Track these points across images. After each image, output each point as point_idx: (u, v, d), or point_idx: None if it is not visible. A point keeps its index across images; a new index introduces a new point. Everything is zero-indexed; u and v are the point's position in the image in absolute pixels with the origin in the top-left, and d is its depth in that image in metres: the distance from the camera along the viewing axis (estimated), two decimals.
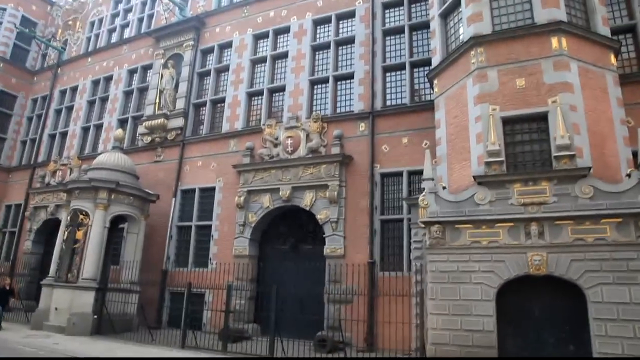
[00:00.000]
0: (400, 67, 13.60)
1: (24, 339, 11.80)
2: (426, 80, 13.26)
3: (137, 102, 18.32)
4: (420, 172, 12.36)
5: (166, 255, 15.27)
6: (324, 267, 12.70)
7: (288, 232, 14.27)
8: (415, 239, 10.63)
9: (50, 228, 18.71)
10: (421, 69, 13.48)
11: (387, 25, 14.11)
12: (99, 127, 19.14)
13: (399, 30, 13.94)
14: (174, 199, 15.77)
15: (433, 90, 11.36)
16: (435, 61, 11.23)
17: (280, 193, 13.59)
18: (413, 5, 14.02)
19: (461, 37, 10.63)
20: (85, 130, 19.58)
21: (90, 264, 13.16)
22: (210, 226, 14.92)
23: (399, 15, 14.17)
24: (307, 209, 13.27)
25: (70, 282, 13.28)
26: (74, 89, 20.74)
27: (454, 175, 9.96)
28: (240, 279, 13.10)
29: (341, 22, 14.97)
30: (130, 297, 13.61)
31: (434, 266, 9.01)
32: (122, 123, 18.25)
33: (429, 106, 12.62)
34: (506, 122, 9.28)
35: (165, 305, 14.82)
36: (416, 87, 13.41)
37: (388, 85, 13.69)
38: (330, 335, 11.58)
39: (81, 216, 13.83)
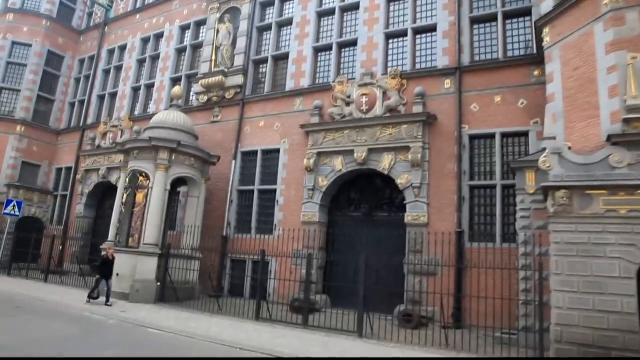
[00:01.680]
0: (491, 18, 12.18)
1: (88, 305, 11.26)
2: (521, 32, 12.00)
3: (191, 60, 17.33)
4: (516, 134, 11.30)
5: (226, 220, 14.50)
6: (404, 236, 11.71)
7: (360, 198, 13.27)
8: (522, 206, 9.49)
9: (101, 191, 18.23)
10: (514, 19, 12.06)
11: None
12: (149, 87, 18.28)
13: None
14: (233, 162, 14.89)
15: (542, 40, 9.92)
16: (547, 7, 9.79)
17: (355, 155, 12.52)
18: None
19: None
20: (136, 90, 18.74)
21: (151, 228, 12.45)
22: (274, 190, 14.03)
23: None
24: (386, 172, 12.19)
25: (131, 247, 12.63)
26: (122, 48, 19.85)
27: (574, 134, 8.67)
28: (308, 247, 12.26)
29: None
30: (192, 264, 12.94)
31: (559, 237, 7.87)
32: (174, 82, 17.29)
33: (525, 61, 11.39)
34: None
35: (225, 272, 14.14)
36: (509, 40, 11.99)
37: (476, 38, 12.31)
38: (414, 309, 10.71)
39: (140, 178, 13.07)
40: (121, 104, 18.74)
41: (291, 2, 15.47)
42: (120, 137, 16.92)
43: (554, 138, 8.37)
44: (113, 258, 11.56)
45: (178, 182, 13.91)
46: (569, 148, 8.26)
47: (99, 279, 11.22)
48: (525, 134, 11.09)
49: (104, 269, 11.31)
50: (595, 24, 8.64)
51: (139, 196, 12.96)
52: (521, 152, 11.14)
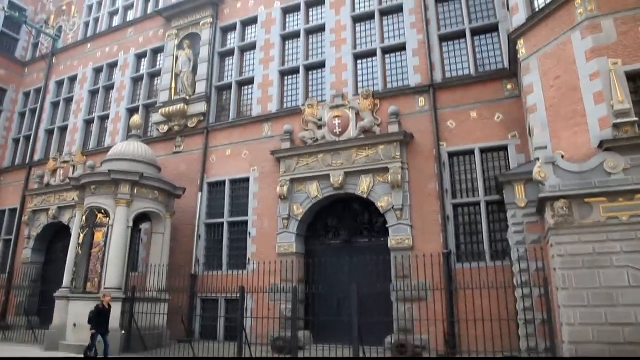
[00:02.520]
0: (459, 35, 12.16)
1: None
2: (490, 48, 12.02)
3: (148, 89, 16.41)
4: (495, 149, 11.09)
5: (195, 257, 13.40)
6: (388, 262, 11.11)
7: (339, 225, 12.60)
8: (514, 221, 9.15)
9: (51, 234, 16.65)
10: (482, 36, 12.09)
11: None
12: (104, 119, 17.10)
13: None
14: (200, 194, 13.93)
15: (517, 53, 9.86)
16: (519, 20, 9.78)
17: (332, 180, 11.92)
18: None
19: None
20: (88, 123, 17.48)
21: (113, 270, 11.25)
22: (245, 222, 13.15)
23: None
24: (365, 196, 11.65)
25: (90, 292, 11.33)
26: (73, 79, 18.63)
27: (562, 143, 8.46)
28: (286, 280, 11.44)
29: None
30: (159, 307, 11.79)
31: (563, 249, 7.51)
32: (131, 112, 16.25)
33: (498, 75, 11.37)
34: (631, 77, 7.90)
35: (195, 314, 12.96)
36: (479, 56, 11.98)
37: (446, 55, 12.22)
38: (407, 339, 10.05)
39: (99, 215, 11.90)
40: (72, 138, 17.40)
41: (253, 26, 15.02)
42: (73, 173, 15.60)
43: (545, 148, 8.13)
44: (109, 307, 9.77)
45: (140, 218, 12.78)
46: (563, 157, 8.04)
47: (95, 334, 9.33)
48: (504, 148, 10.91)
49: (100, 321, 9.44)
50: (572, 33, 8.64)
51: (98, 235, 11.76)
52: (502, 166, 10.93)
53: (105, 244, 11.49)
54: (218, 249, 13.39)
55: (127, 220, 11.71)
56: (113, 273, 11.21)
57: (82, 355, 9.56)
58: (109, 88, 17.40)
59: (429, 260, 9.89)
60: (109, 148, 14.74)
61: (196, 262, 13.35)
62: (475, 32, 12.02)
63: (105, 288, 11.09)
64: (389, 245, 11.16)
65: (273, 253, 12.34)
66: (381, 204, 11.44)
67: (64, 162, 16.42)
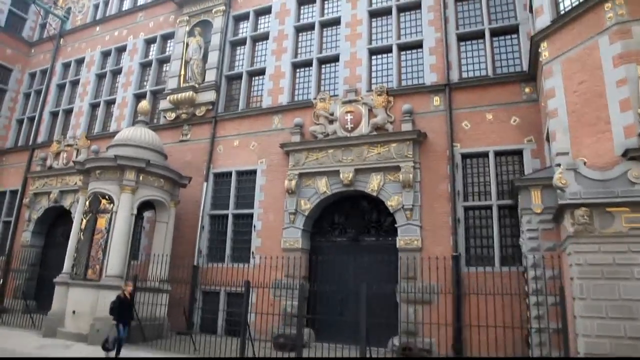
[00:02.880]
0: (478, 35, 11.91)
1: (38, 349, 9.67)
2: (509, 50, 11.79)
3: (157, 75, 16.14)
4: (510, 153, 10.89)
5: (197, 248, 13.19)
6: (394, 262, 10.93)
7: (346, 222, 12.40)
8: (529, 227, 8.94)
9: (52, 217, 16.43)
10: (502, 37, 11.85)
11: None
12: (110, 104, 16.86)
13: None
14: (205, 184, 13.70)
15: (539, 55, 9.62)
16: (543, 22, 9.53)
17: (341, 176, 11.71)
18: None
19: None
20: (94, 107, 17.23)
21: (116, 257, 11.05)
22: (251, 215, 12.93)
23: None
24: (374, 194, 11.44)
25: (91, 279, 11.14)
26: (80, 62, 18.35)
27: (583, 150, 8.24)
28: (290, 275, 11.27)
29: None
30: (160, 298, 11.55)
31: (582, 258, 7.31)
32: (138, 98, 16.00)
33: (516, 78, 11.13)
34: None
35: (196, 307, 12.76)
36: (497, 57, 11.74)
37: (463, 55, 11.99)
38: (413, 342, 9.88)
39: (103, 201, 11.67)
40: (77, 121, 17.14)
41: (267, 16, 14.75)
42: (76, 157, 15.35)
43: (567, 153, 7.93)
44: (132, 297, 9.57)
45: (143, 206, 12.56)
46: (585, 163, 7.84)
47: (117, 324, 9.01)
48: (519, 152, 10.71)
49: (121, 311, 9.15)
50: (599, 38, 8.39)
51: (101, 222, 11.53)
52: (515, 171, 10.74)
53: (108, 231, 11.28)
54: (221, 241, 13.17)
55: (132, 207, 11.49)
56: (115, 261, 11.00)
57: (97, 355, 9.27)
58: (116, 72, 17.12)
59: (437, 263, 9.73)
60: (114, 133, 14.51)
61: (199, 254, 13.14)
62: (494, 33, 11.77)
63: (106, 276, 10.90)
64: (397, 245, 10.96)
65: (278, 248, 12.14)
66: (391, 202, 11.24)
67: (68, 145, 16.16)
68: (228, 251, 12.92)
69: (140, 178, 11.65)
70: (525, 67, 11.09)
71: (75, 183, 14.60)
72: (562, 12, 9.24)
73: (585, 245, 7.36)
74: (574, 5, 9.04)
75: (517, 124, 10.82)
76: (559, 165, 7.93)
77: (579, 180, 7.67)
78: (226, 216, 13.30)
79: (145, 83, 16.28)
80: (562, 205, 7.67)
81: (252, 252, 12.51)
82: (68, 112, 17.87)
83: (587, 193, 7.51)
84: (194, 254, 13.16)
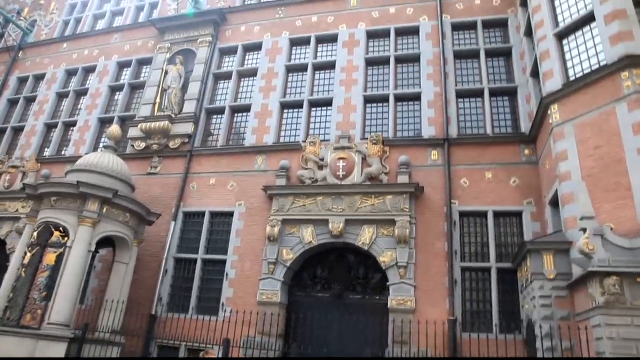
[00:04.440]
0: (477, 93, 11.84)
1: None
2: (507, 110, 11.77)
3: (127, 100, 14.84)
4: (508, 214, 10.52)
5: (157, 295, 11.57)
6: (382, 324, 9.94)
7: (329, 277, 11.35)
8: (541, 293, 8.34)
9: None
10: (499, 98, 11.84)
11: (459, 47, 12.44)
12: (69, 126, 15.22)
13: (472, 54, 12.29)
14: (172, 223, 12.28)
15: (550, 117, 9.49)
16: (554, 85, 9.49)
17: (330, 226, 10.80)
18: (486, 30, 12.55)
19: (594, 58, 9.06)
20: (50, 127, 15.49)
21: (64, 301, 9.34)
22: (223, 261, 11.58)
23: (471, 38, 12.62)
24: (366, 248, 10.59)
25: (28, 327, 9.24)
26: (39, 77, 16.69)
27: (602, 216, 7.90)
28: (265, 333, 9.98)
29: (401, 37, 13.09)
30: (110, 352, 9.81)
31: (614, 332, 6.71)
32: (103, 123, 14.59)
33: (515, 139, 10.99)
34: None
35: None
36: (495, 117, 11.65)
37: (461, 112, 11.81)
38: None
39: (56, 233, 9.99)
40: (28, 141, 15.26)
41: (257, 53, 14.12)
42: (21, 180, 13.47)
43: (592, 218, 7.53)
44: None
45: (99, 243, 10.92)
46: (611, 229, 7.47)
47: None
48: (518, 214, 10.37)
49: None
50: (616, 104, 8.34)
51: (50, 257, 9.79)
52: (514, 233, 10.36)
53: (58, 269, 9.56)
54: (186, 289, 11.63)
55: (90, 242, 9.91)
56: (63, 305, 9.28)
57: None
58: (80, 93, 15.63)
59: (431, 326, 8.89)
60: (71, 158, 13.02)
61: (158, 301, 11.51)
62: (493, 93, 11.73)
63: (49, 323, 9.11)
64: (389, 305, 10.04)
65: (252, 300, 10.85)
66: (383, 258, 10.40)
67: (13, 166, 14.24)
68: (193, 301, 11.39)
69: (104, 210, 10.16)
70: (523, 129, 11.02)
71: (17, 210, 12.69)
72: (575, 77, 9.23)
73: (617, 317, 6.79)
74: (585, 71, 9.08)
75: (517, 185, 10.55)
76: (583, 230, 7.47)
77: (606, 246, 7.23)
78: (194, 261, 11.85)
79: (113, 107, 14.91)
80: (591, 272, 7.14)
81: (222, 304, 11.10)
82: (17, 130, 15.96)
83: (616, 261, 7.05)
84: (152, 301, 11.51)
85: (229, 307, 10.91)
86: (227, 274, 11.37)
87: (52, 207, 10.09)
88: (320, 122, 12.70)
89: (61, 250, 9.75)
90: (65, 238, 9.83)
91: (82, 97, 15.50)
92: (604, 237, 7.30)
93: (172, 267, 11.94)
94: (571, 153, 8.82)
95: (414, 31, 12.94)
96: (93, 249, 10.09)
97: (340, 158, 11.63)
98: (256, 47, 14.15)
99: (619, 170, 7.98)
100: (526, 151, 10.80)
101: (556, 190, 9.17)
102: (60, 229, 9.94)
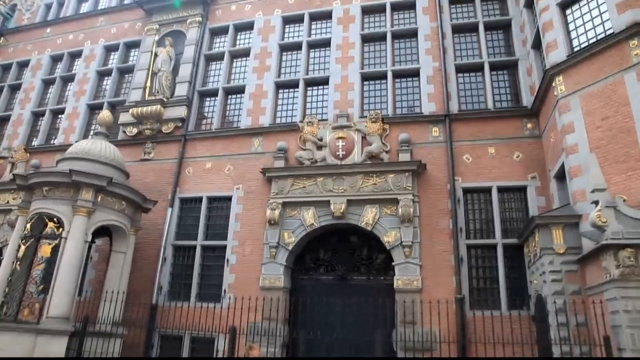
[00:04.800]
0: (477, 67, 11.56)
1: None
2: (507, 85, 11.53)
3: (116, 85, 14.38)
4: (513, 189, 10.34)
5: (157, 284, 11.32)
6: (388, 305, 9.78)
7: (332, 259, 11.18)
8: (551, 268, 8.23)
9: None
10: (499, 72, 11.58)
11: (457, 21, 12.12)
12: (57, 113, 14.75)
13: (471, 28, 11.99)
14: (169, 210, 11.98)
15: (554, 89, 9.26)
16: (558, 56, 9.25)
17: (332, 207, 10.58)
18: (484, 3, 12.22)
19: (600, 27, 8.82)
20: (37, 116, 15.00)
21: (62, 294, 9.06)
22: (223, 247, 11.35)
23: (469, 11, 12.29)
24: (369, 228, 10.40)
25: (26, 322, 8.98)
26: (24, 65, 16.09)
27: (612, 188, 7.77)
28: (269, 318, 9.82)
29: (397, 12, 12.73)
30: (112, 345, 9.55)
31: (630, 305, 6.60)
32: (93, 109, 14.15)
33: (517, 113, 10.77)
34: None
35: (152, 354, 10.81)
36: (496, 91, 11.40)
37: (461, 87, 11.55)
38: None
39: (50, 224, 9.67)
40: (15, 131, 14.77)
41: (249, 32, 13.67)
42: (10, 171, 13.05)
43: (604, 190, 7.37)
44: None
45: (95, 233, 10.61)
46: (624, 201, 7.32)
47: None
48: (522, 189, 10.22)
49: None
50: (625, 74, 8.13)
51: (45, 249, 9.48)
52: (519, 208, 10.22)
53: (54, 261, 9.26)
54: (187, 276, 11.40)
55: (86, 233, 9.61)
56: (61, 298, 9.00)
57: None
58: (67, 79, 15.11)
59: (440, 305, 8.74)
60: (61, 147, 12.65)
61: (158, 291, 11.27)
62: (493, 67, 11.46)
63: (48, 317, 8.84)
64: (395, 285, 9.90)
65: (255, 286, 10.66)
66: (388, 238, 10.23)
67: (1, 157, 13.77)
68: (194, 288, 11.16)
69: (99, 199, 9.84)
70: (525, 103, 10.80)
71: (7, 202, 12.28)
72: (579, 47, 9.00)
73: (633, 289, 6.67)
74: (590, 41, 8.86)
75: (520, 159, 10.37)
76: (595, 202, 7.33)
77: (620, 218, 7.09)
78: (194, 248, 11.59)
79: (102, 93, 14.44)
80: (605, 245, 7.01)
81: (224, 291, 10.89)
82: (3, 120, 15.42)
83: (630, 233, 6.92)
84: (152, 291, 11.27)
85: (231, 293, 10.72)
86: (227, 260, 11.14)
87: (45, 198, 9.74)
88: (317, 101, 12.38)
89: (56, 241, 9.44)
90: (60, 229, 9.52)
91: (70, 84, 14.99)
92: (616, 209, 7.15)
93: (171, 255, 11.67)
94: (578, 125, 8.64)
95: (411, 6, 12.58)
96: (89, 239, 9.79)
97: (339, 137, 11.37)
98: (248, 26, 13.69)
99: (628, 141, 7.82)
100: (529, 125, 10.61)
101: (562, 164, 9.02)
102: (55, 219, 9.62)
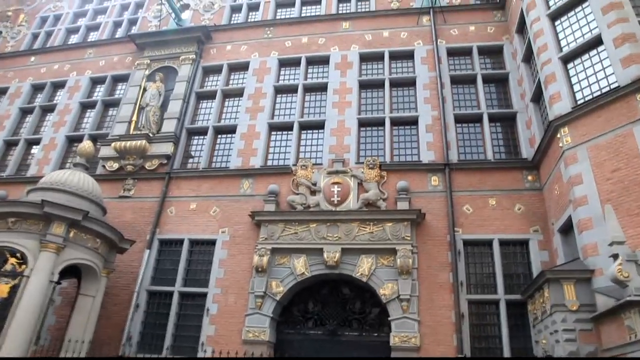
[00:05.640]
0: (476, 118, 11.46)
1: None
2: (507, 137, 11.39)
3: (99, 118, 13.71)
4: (514, 242, 9.91)
5: (126, 333, 10.16)
6: None
7: (321, 312, 10.30)
8: (565, 327, 7.63)
9: None
10: (498, 123, 11.49)
11: (455, 72, 12.15)
12: (32, 144, 13.87)
13: (469, 80, 12.01)
14: (147, 252, 11.02)
15: (559, 141, 9.06)
16: (562, 108, 9.15)
17: (325, 256, 9.87)
18: (481, 57, 12.34)
19: (604, 81, 8.81)
20: (10, 145, 14.05)
21: (16, 342, 7.89)
22: (204, 295, 10.36)
23: (467, 64, 12.39)
24: (364, 279, 9.69)
25: None
26: (1, 92, 15.30)
27: (627, 241, 7.41)
28: None
29: (395, 61, 12.73)
30: None
31: None
32: (71, 141, 13.37)
33: (517, 165, 10.57)
34: None
35: None
36: (495, 142, 11.24)
37: (460, 137, 11.36)
38: None
39: (11, 260, 8.61)
40: None
41: (243, 73, 13.40)
42: None
43: (623, 243, 6.97)
44: None
45: (62, 272, 9.56)
46: None
47: None
48: (524, 242, 9.79)
49: None
50: (634, 126, 7.99)
51: (2, 289, 8.36)
52: (521, 262, 9.73)
53: (12, 303, 8.15)
54: (161, 326, 10.27)
55: (52, 272, 8.58)
56: (12, 348, 7.80)
57: None
58: (47, 109, 14.35)
59: None
60: (32, 179, 11.80)
61: (127, 340, 10.10)
62: (492, 119, 11.37)
63: None
64: (392, 342, 9.08)
65: (237, 339, 9.68)
66: (384, 291, 9.51)
67: None
68: (168, 339, 10.02)
69: (71, 234, 8.90)
70: (525, 155, 10.63)
71: None
72: (583, 100, 8.94)
73: None
74: (595, 94, 8.81)
75: (522, 212, 10.03)
76: (614, 256, 6.90)
77: None
78: (170, 294, 10.55)
79: (83, 125, 13.71)
80: (627, 302, 6.52)
81: (202, 343, 9.82)
82: None
83: None
84: (120, 341, 10.10)
85: (209, 346, 9.68)
86: (208, 309, 10.14)
87: (9, 230, 8.73)
88: (311, 145, 11.96)
89: (16, 281, 8.36)
90: (23, 266, 8.46)
91: (49, 114, 14.23)
92: (638, 263, 6.73)
93: (145, 302, 10.58)
94: (586, 177, 8.38)
95: (409, 55, 12.62)
96: (56, 279, 8.75)
97: (334, 183, 10.86)
98: (243, 66, 13.44)
99: None
100: (529, 177, 10.37)
101: (569, 217, 8.68)
102: (18, 255, 8.57)
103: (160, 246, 11.23)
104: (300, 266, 10.07)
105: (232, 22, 14.74)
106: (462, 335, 8.99)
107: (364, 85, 12.44)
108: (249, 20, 14.56)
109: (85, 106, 14.13)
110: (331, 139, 11.63)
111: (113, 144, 12.19)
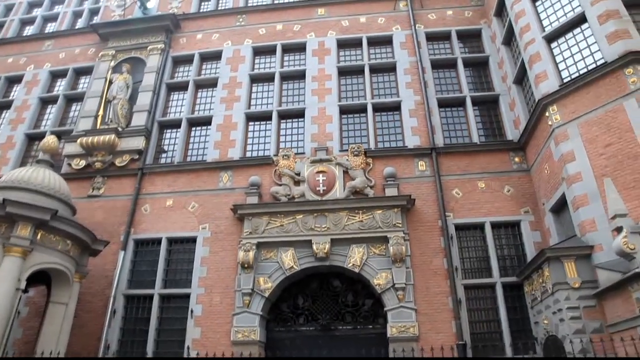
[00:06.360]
0: (459, 102, 11.30)
1: None
2: (491, 120, 11.27)
3: (62, 114, 12.76)
4: (506, 224, 9.79)
5: (104, 342, 9.40)
6: (381, 356, 8.69)
7: (313, 307, 9.86)
8: (568, 305, 7.50)
9: None
10: (481, 106, 11.36)
11: (435, 56, 11.96)
12: None
13: (450, 64, 11.85)
14: (121, 253, 10.25)
15: (548, 119, 8.97)
16: (550, 86, 9.08)
17: (314, 247, 9.44)
18: (460, 41, 12.20)
19: (589, 58, 8.78)
20: None
21: None
22: (187, 296, 9.73)
23: (446, 48, 12.22)
24: (356, 270, 9.32)
25: None
26: None
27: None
28: None
29: (374, 47, 12.44)
30: None
31: None
32: (32, 139, 12.40)
33: (504, 147, 10.46)
34: None
35: None
36: (479, 125, 11.10)
37: (444, 121, 11.16)
38: None
39: None
40: None
41: (216, 62, 12.77)
42: None
43: (625, 215, 6.87)
44: None
45: (29, 279, 8.73)
46: None
47: None
48: (516, 224, 9.70)
49: None
50: (624, 101, 7.98)
51: None
52: (514, 244, 9.63)
53: None
54: (141, 332, 9.57)
55: (18, 278, 7.77)
56: None
57: None
58: (3, 106, 13.25)
59: (440, 353, 7.83)
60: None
61: (105, 350, 9.34)
62: (475, 102, 11.23)
63: None
64: (389, 333, 8.75)
65: (225, 340, 9.14)
66: (378, 281, 9.17)
67: None
68: (150, 346, 9.33)
69: (39, 236, 8.10)
70: (510, 137, 10.55)
71: None
72: (569, 78, 8.88)
73: None
74: (581, 71, 8.78)
75: (511, 194, 9.93)
76: (619, 228, 6.79)
77: None
78: (150, 297, 9.85)
79: (44, 121, 12.73)
80: (636, 274, 6.39)
81: (188, 347, 9.20)
82: None
83: None
84: (97, 351, 9.34)
85: (195, 350, 9.06)
86: (192, 311, 9.51)
87: None
88: (292, 134, 11.50)
89: None
90: None
91: (5, 111, 13.12)
92: None
93: (122, 307, 9.83)
94: (579, 153, 8.31)
95: (387, 41, 12.36)
96: (23, 286, 7.94)
97: (319, 172, 10.45)
98: (215, 55, 12.81)
99: (636, 167, 7.50)
100: (516, 159, 10.31)
101: (561, 195, 8.61)
102: None
103: (135, 247, 10.50)
104: (289, 260, 9.60)
105: (201, 10, 14.05)
106: (460, 321, 8.76)
107: (343, 72, 12.08)
108: (219, 7, 13.93)
109: (46, 101, 13.12)
110: (312, 127, 11.20)
111: (79, 140, 11.34)
